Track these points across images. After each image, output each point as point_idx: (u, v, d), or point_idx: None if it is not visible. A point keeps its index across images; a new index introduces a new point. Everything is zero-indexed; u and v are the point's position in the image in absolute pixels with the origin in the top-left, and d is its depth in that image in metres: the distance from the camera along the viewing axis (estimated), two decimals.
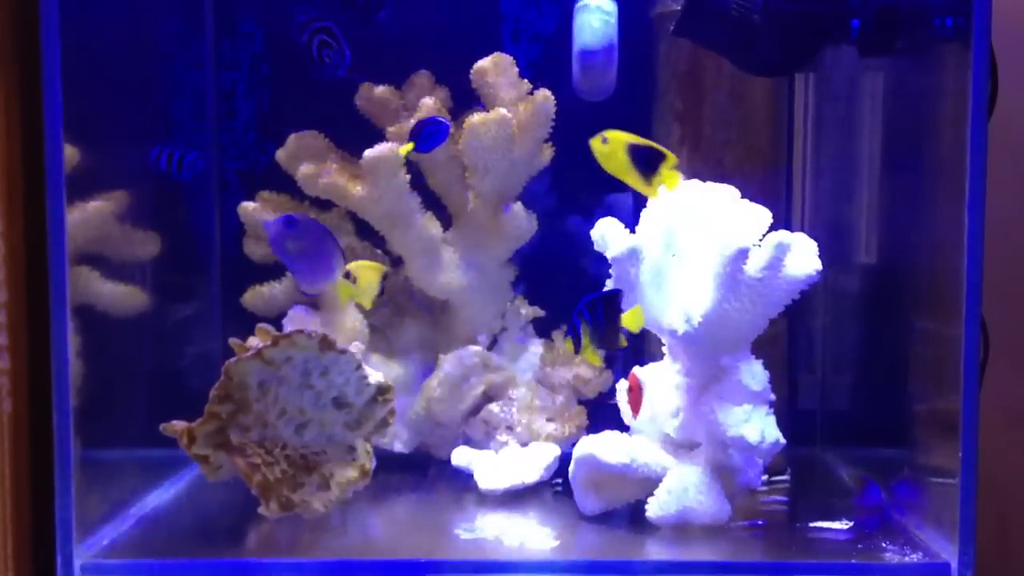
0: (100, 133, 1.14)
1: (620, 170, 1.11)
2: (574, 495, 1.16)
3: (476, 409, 1.35)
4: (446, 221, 1.36)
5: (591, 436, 1.15)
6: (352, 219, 1.35)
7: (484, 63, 1.30)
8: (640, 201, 1.17)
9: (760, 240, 1.07)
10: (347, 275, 1.16)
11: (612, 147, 1.11)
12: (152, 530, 1.14)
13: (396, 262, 1.36)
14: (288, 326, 1.31)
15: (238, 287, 1.37)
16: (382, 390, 1.15)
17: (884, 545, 1.07)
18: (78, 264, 1.07)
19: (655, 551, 1.08)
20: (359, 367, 1.13)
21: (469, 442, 1.34)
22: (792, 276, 1.07)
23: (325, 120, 1.34)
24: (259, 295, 1.36)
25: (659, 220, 1.14)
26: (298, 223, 1.16)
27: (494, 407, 1.34)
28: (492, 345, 1.39)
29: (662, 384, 1.16)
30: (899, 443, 1.18)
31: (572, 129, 1.17)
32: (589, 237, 1.11)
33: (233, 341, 1.14)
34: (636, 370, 1.18)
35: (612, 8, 1.34)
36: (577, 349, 1.08)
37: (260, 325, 1.14)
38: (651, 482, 1.13)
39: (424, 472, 1.34)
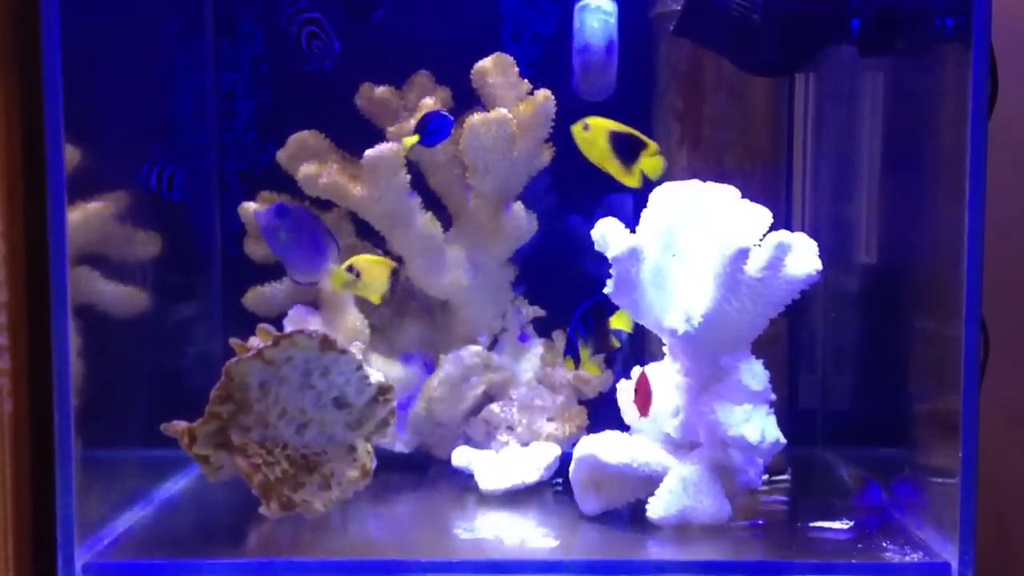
0: (100, 133, 1.14)
1: (601, 158, 1.11)
2: (574, 495, 1.16)
3: (477, 409, 1.35)
4: (446, 221, 1.36)
5: (591, 436, 1.15)
6: (352, 219, 1.35)
7: (484, 63, 1.30)
8: (641, 201, 1.17)
9: (760, 240, 1.07)
10: (350, 269, 1.16)
11: (593, 134, 1.11)
12: (153, 530, 1.14)
13: (397, 262, 1.36)
14: (289, 326, 1.31)
15: (239, 287, 1.37)
16: (383, 390, 1.15)
17: (884, 545, 1.07)
18: (79, 264, 1.07)
19: (656, 551, 1.08)
20: (360, 367, 1.13)
21: (470, 442, 1.34)
22: (792, 276, 1.07)
23: (325, 120, 1.34)
24: (260, 295, 1.36)
25: (659, 220, 1.14)
26: (290, 212, 1.17)
27: (495, 407, 1.34)
28: (493, 345, 1.39)
29: (662, 384, 1.16)
30: (899, 443, 1.18)
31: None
32: (589, 237, 1.11)
33: (234, 341, 1.14)
34: (644, 370, 1.18)
35: (612, 8, 1.34)
36: (577, 365, 1.09)
37: (261, 325, 1.14)
38: (652, 482, 1.13)
39: (424, 472, 1.34)
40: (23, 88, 1.03)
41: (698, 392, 1.12)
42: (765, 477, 1.19)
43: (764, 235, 1.08)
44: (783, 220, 1.39)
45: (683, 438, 1.15)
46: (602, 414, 1.30)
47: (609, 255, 1.10)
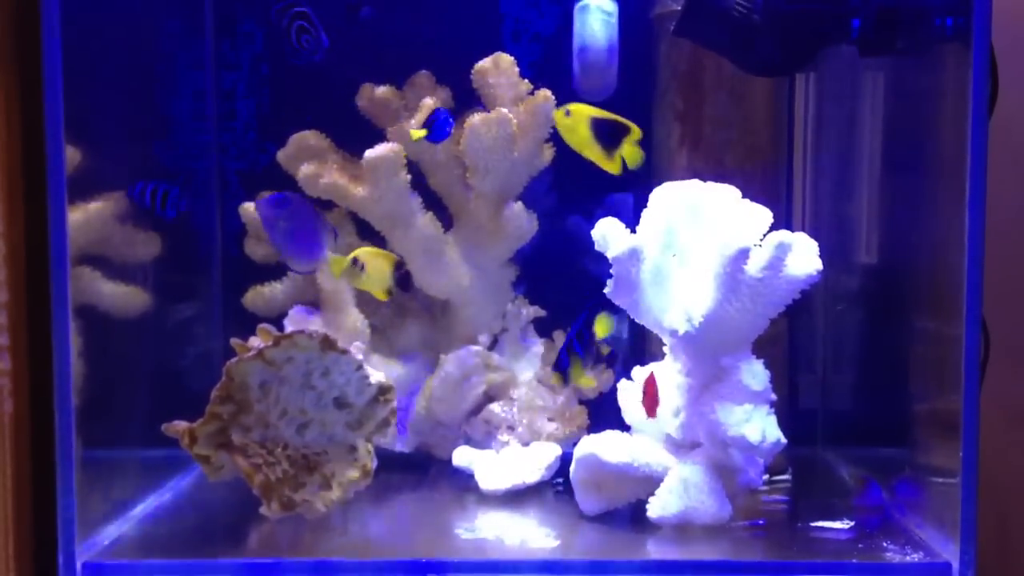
0: (101, 133, 1.14)
1: (582, 144, 1.11)
2: (575, 495, 1.17)
3: (477, 409, 1.35)
4: (447, 221, 1.36)
5: (592, 436, 1.15)
6: (353, 219, 1.35)
7: (485, 63, 1.30)
8: (641, 201, 1.17)
9: (761, 240, 1.07)
10: (355, 261, 1.16)
11: (574, 120, 1.11)
12: (154, 530, 1.14)
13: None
14: (289, 326, 1.31)
15: (239, 287, 1.37)
16: (383, 390, 1.15)
17: (885, 545, 1.07)
18: (79, 264, 1.07)
19: (656, 551, 1.08)
20: (360, 367, 1.13)
21: (470, 442, 1.34)
22: (793, 276, 1.07)
23: (326, 120, 1.35)
24: (260, 295, 1.36)
25: (660, 220, 1.14)
26: (289, 202, 1.17)
27: (495, 407, 1.34)
28: (493, 345, 1.39)
29: (663, 384, 1.16)
30: (900, 443, 1.18)
31: None
32: (590, 237, 1.11)
33: (234, 341, 1.14)
34: (651, 371, 1.18)
35: (612, 8, 1.34)
36: (565, 383, 1.09)
37: (261, 325, 1.14)
38: (652, 482, 1.13)
39: (425, 472, 1.34)
40: (23, 88, 1.03)
41: (699, 392, 1.12)
42: (766, 477, 1.19)
43: (764, 235, 1.08)
44: (783, 220, 1.39)
45: (684, 438, 1.15)
46: (603, 414, 1.30)
47: (609, 255, 1.10)
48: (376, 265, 1.17)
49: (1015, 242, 1.34)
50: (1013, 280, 1.36)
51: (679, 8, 1.22)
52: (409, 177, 1.28)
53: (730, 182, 1.16)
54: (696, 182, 1.16)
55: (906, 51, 1.18)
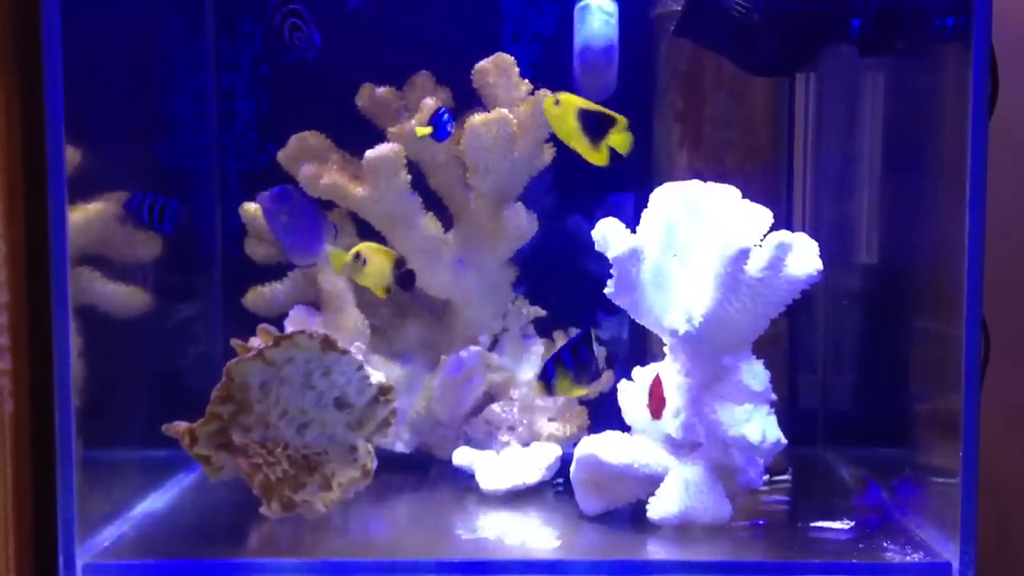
0: (101, 133, 1.14)
1: (569, 134, 1.11)
2: (575, 495, 1.17)
3: (477, 409, 1.35)
4: (447, 221, 1.36)
5: (592, 436, 1.15)
6: (353, 219, 1.35)
7: (485, 63, 1.30)
8: (641, 201, 1.17)
9: (761, 240, 1.07)
10: (357, 256, 1.17)
11: (563, 110, 1.11)
12: (154, 530, 1.14)
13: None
14: (289, 326, 1.31)
15: (239, 288, 1.37)
16: (383, 390, 1.15)
17: (885, 545, 1.07)
18: (79, 265, 1.07)
19: (656, 551, 1.08)
20: (360, 367, 1.13)
21: (470, 442, 1.34)
22: (793, 276, 1.07)
23: (326, 120, 1.35)
24: (260, 295, 1.36)
25: (660, 220, 1.14)
26: (291, 195, 1.18)
27: (495, 407, 1.34)
28: (493, 345, 1.39)
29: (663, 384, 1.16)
30: (900, 443, 1.18)
31: None
32: (590, 237, 1.11)
33: (235, 342, 1.14)
34: (657, 373, 1.18)
35: (612, 8, 1.34)
36: (550, 392, 1.09)
37: (262, 326, 1.14)
38: (652, 482, 1.13)
39: (425, 472, 1.34)
40: (24, 88, 1.03)
41: (699, 392, 1.12)
42: (766, 477, 1.19)
43: (765, 235, 1.08)
44: (784, 220, 1.39)
45: (684, 438, 1.14)
46: (603, 414, 1.30)
47: (610, 255, 1.10)
48: (376, 262, 1.17)
49: (1015, 242, 1.34)
50: (1013, 280, 1.36)
51: (679, 8, 1.22)
52: (409, 177, 1.29)
53: (730, 182, 1.16)
54: (696, 182, 1.16)
55: (906, 51, 1.18)
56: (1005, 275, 1.16)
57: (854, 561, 1.04)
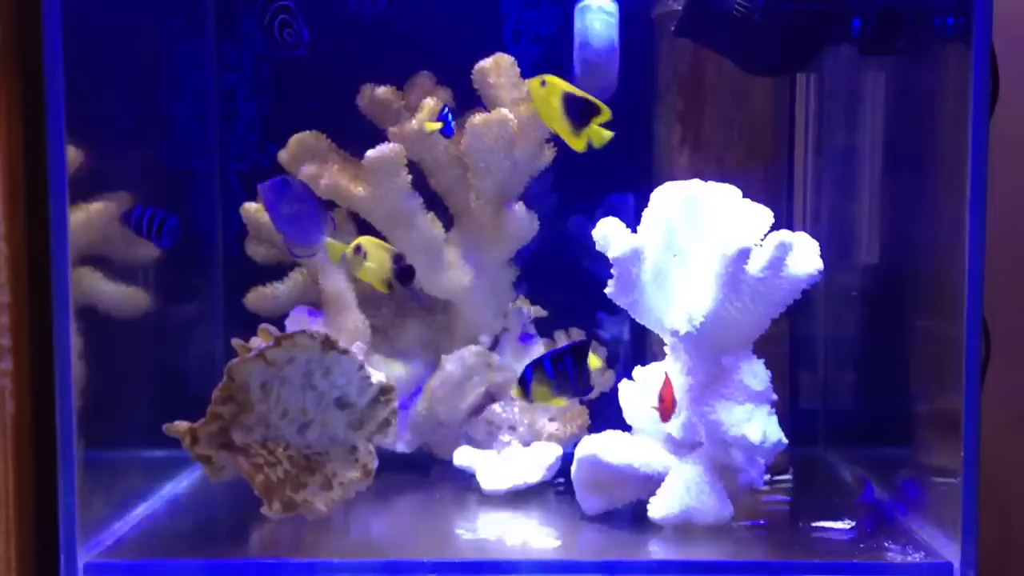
0: (102, 134, 1.14)
1: (551, 117, 1.11)
2: (576, 495, 1.17)
3: (478, 409, 1.35)
4: (448, 221, 1.36)
5: (593, 436, 1.15)
6: (354, 220, 1.35)
7: (485, 63, 1.30)
8: (642, 201, 1.17)
9: (762, 240, 1.07)
10: (358, 249, 1.17)
11: (548, 92, 1.11)
12: (155, 530, 1.14)
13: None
14: (290, 327, 1.31)
15: (240, 288, 1.37)
16: (384, 390, 1.15)
17: (887, 545, 1.07)
18: (81, 265, 1.07)
19: (657, 551, 1.08)
20: (361, 367, 1.13)
21: (471, 442, 1.34)
22: (794, 276, 1.07)
23: (327, 121, 1.35)
24: (261, 296, 1.36)
25: (661, 220, 1.14)
26: (291, 185, 1.19)
27: (496, 407, 1.34)
28: (494, 345, 1.39)
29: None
30: (901, 442, 1.18)
31: None
32: (591, 237, 1.11)
33: (236, 342, 1.14)
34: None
35: (613, 8, 1.34)
36: (526, 397, 1.08)
37: (262, 326, 1.14)
38: (653, 482, 1.13)
39: (426, 472, 1.34)
40: (25, 89, 1.04)
41: (700, 392, 1.12)
42: (767, 477, 1.19)
43: (765, 235, 1.08)
44: (784, 220, 1.39)
45: (685, 438, 1.15)
46: (604, 414, 1.30)
47: (610, 255, 1.10)
48: (376, 256, 1.17)
49: (1016, 241, 1.33)
50: (1014, 279, 1.36)
51: (680, 8, 1.22)
52: (410, 177, 1.28)
53: (731, 182, 1.16)
54: (697, 182, 1.16)
55: (907, 51, 1.18)
56: (1006, 274, 1.16)
57: (855, 561, 1.04)
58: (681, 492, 1.11)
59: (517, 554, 1.07)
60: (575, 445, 1.17)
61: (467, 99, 1.33)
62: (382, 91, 1.33)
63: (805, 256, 1.08)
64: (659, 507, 1.11)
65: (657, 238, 1.13)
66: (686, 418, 1.13)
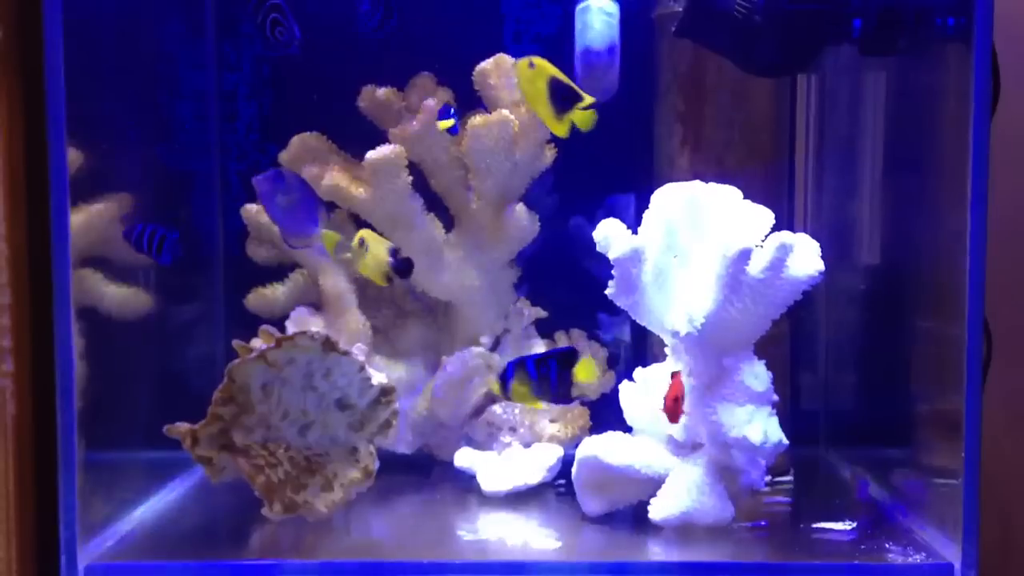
0: (103, 135, 1.14)
1: (536, 99, 1.12)
2: (577, 496, 1.17)
3: (479, 410, 1.35)
4: (448, 223, 1.36)
5: (594, 437, 1.15)
6: (355, 221, 1.35)
7: (486, 65, 1.30)
8: (643, 202, 1.17)
9: (762, 241, 1.07)
10: (362, 243, 1.17)
11: (535, 74, 1.12)
12: (156, 532, 1.14)
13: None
14: (291, 328, 1.31)
15: (241, 289, 1.37)
16: (385, 392, 1.15)
17: (887, 546, 1.07)
18: (82, 266, 1.08)
19: (658, 552, 1.08)
20: (362, 369, 1.13)
21: (472, 443, 1.34)
22: (794, 277, 1.07)
23: (327, 122, 1.35)
24: (262, 297, 1.36)
25: (661, 221, 1.14)
26: (286, 178, 1.19)
27: (497, 408, 1.34)
28: (495, 346, 1.39)
29: (665, 384, 1.15)
30: (902, 443, 1.18)
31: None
32: (591, 238, 1.11)
33: (236, 343, 1.14)
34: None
35: (614, 9, 1.34)
36: (503, 393, 1.08)
37: (263, 327, 1.15)
38: (654, 483, 1.13)
39: (427, 473, 1.34)
40: (26, 90, 1.04)
41: (700, 393, 1.11)
42: (768, 478, 1.19)
43: (766, 236, 1.08)
44: (785, 221, 1.39)
45: (686, 439, 1.15)
46: (604, 415, 1.30)
47: (611, 256, 1.10)
48: (375, 250, 1.17)
49: (1017, 242, 1.33)
50: (1015, 279, 1.36)
51: (680, 9, 1.22)
52: (411, 178, 1.28)
53: (731, 183, 1.16)
54: (698, 183, 1.16)
55: (908, 51, 1.18)
56: (1007, 274, 1.16)
57: (856, 562, 1.04)
58: (682, 493, 1.11)
59: (518, 555, 1.07)
60: (576, 446, 1.17)
61: (468, 100, 1.33)
62: (383, 92, 1.33)
63: (806, 257, 1.08)
64: (660, 508, 1.11)
65: (658, 239, 1.13)
66: (687, 419, 1.13)
